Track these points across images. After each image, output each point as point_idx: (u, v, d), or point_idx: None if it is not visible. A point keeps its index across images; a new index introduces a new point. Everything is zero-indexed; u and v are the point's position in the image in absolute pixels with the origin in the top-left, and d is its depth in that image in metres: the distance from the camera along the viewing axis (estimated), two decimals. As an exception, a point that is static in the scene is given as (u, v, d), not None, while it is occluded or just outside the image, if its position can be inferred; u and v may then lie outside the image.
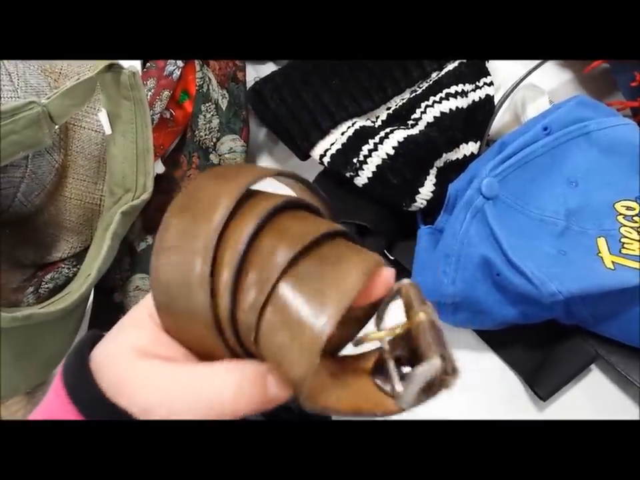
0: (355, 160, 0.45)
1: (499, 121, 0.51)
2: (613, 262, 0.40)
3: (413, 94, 0.48)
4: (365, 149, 0.45)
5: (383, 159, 0.44)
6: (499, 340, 0.45)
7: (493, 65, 0.52)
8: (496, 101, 0.49)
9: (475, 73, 0.48)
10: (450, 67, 0.48)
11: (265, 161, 0.54)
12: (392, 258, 0.48)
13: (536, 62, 0.49)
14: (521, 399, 0.45)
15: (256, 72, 0.53)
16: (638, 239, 0.41)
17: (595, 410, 0.44)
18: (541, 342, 0.44)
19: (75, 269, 0.51)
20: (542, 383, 0.43)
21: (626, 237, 0.41)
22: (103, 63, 0.44)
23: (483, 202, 0.41)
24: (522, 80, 0.48)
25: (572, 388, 0.44)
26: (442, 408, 0.44)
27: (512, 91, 0.48)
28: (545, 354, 0.44)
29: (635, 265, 0.40)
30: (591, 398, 0.44)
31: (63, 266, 0.52)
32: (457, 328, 0.46)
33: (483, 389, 0.45)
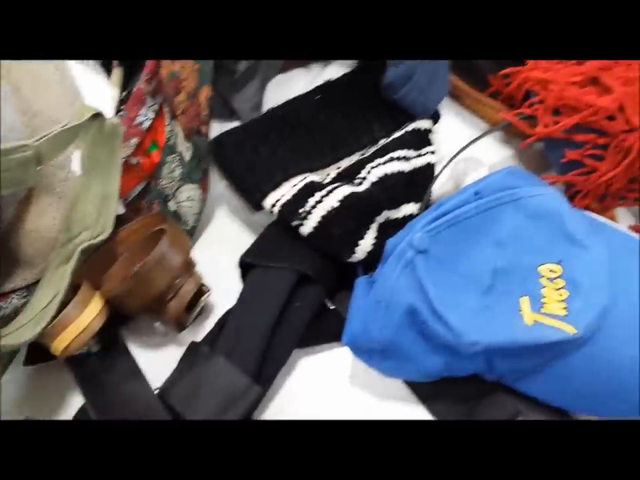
0: (301, 210, 0.48)
1: (442, 188, 0.55)
2: (533, 319, 0.43)
3: (362, 157, 0.52)
4: (311, 201, 0.48)
5: (328, 211, 0.47)
6: (427, 392, 0.47)
7: (439, 139, 0.56)
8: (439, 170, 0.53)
9: (419, 142, 0.52)
10: (396, 134, 0.52)
11: (222, 210, 0.57)
12: (332, 307, 0.50)
13: (477, 134, 0.53)
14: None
15: (222, 128, 0.56)
16: (557, 299, 0.43)
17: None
18: (468, 396, 0.46)
19: (24, 299, 0.52)
20: (465, 436, 0.44)
21: (546, 297, 0.43)
22: (88, 112, 0.47)
23: (413, 255, 0.43)
24: (464, 149, 0.52)
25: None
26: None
27: (454, 157, 0.51)
28: (470, 408, 0.45)
29: (553, 322, 0.42)
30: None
31: (14, 296, 0.53)
32: (390, 380, 0.47)
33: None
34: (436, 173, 0.52)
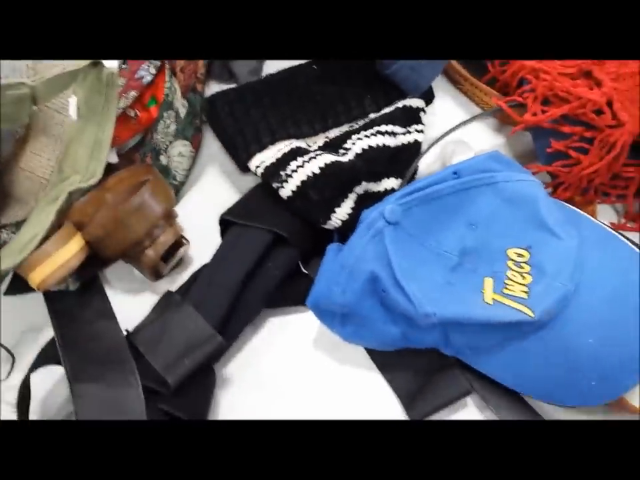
0: (282, 173, 0.49)
1: (429, 168, 0.55)
2: (493, 299, 0.43)
3: (350, 128, 0.53)
4: (293, 164, 0.49)
5: (308, 176, 0.48)
6: (385, 361, 0.48)
7: (433, 120, 0.57)
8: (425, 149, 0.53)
9: (409, 119, 0.53)
10: (387, 110, 0.53)
11: (212, 170, 0.58)
12: (306, 272, 0.51)
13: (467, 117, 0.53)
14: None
15: (220, 89, 0.57)
16: (520, 282, 0.44)
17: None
18: (424, 369, 0.47)
19: (12, 235, 0.54)
20: (415, 407, 0.45)
21: (510, 279, 0.44)
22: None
23: (384, 225, 0.44)
24: (452, 130, 0.52)
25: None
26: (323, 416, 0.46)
27: (441, 138, 0.52)
28: (424, 381, 0.46)
29: (512, 304, 0.43)
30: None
31: (3, 232, 0.55)
32: (352, 346, 0.48)
33: (362, 408, 0.47)
34: (422, 151, 0.53)
